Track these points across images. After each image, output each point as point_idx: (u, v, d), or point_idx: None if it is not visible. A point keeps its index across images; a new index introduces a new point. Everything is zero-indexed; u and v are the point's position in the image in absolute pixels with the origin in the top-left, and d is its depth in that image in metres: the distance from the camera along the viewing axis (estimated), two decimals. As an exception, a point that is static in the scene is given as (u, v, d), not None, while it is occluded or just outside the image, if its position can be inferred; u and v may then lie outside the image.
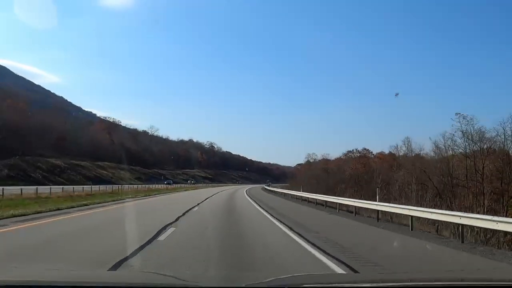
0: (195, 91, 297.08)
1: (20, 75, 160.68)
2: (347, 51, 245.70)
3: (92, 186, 43.53)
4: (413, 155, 44.90)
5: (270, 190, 65.42)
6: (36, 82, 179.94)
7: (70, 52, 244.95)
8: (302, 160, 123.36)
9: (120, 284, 2.64)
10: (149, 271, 6.31)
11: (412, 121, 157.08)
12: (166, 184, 73.78)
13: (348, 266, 7.34)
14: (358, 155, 70.28)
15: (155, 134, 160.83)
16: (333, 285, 2.85)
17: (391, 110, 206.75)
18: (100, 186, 44.78)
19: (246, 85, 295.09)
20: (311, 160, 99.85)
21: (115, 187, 46.50)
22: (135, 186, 58.71)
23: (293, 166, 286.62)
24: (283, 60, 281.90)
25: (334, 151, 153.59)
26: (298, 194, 37.27)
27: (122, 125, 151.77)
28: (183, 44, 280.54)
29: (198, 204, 26.39)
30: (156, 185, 65.17)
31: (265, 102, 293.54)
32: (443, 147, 33.24)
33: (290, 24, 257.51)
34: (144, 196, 38.25)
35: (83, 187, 39.80)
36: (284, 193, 48.99)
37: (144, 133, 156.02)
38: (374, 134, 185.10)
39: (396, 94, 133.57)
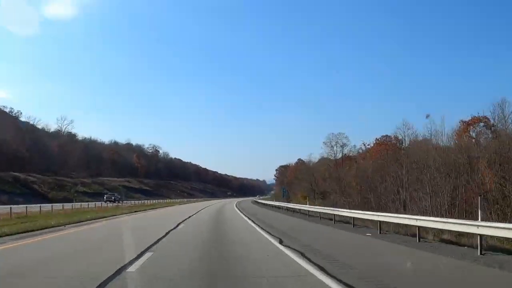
0: (145, 96, 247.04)
1: None
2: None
3: None
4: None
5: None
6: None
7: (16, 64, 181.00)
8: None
9: None
10: None
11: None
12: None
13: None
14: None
15: (67, 130, 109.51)
16: None
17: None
18: None
19: (203, 91, 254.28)
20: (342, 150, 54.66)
21: None
22: None
23: (253, 178, 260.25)
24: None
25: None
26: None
27: (23, 119, 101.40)
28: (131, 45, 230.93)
29: None
30: None
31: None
32: None
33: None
34: None
35: None
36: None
37: (57, 133, 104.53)
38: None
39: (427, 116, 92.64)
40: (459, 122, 30.69)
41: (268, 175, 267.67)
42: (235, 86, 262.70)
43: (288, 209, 36.21)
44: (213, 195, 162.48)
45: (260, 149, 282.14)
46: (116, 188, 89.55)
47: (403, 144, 36.23)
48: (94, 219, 22.09)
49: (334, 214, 20.78)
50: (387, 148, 36.51)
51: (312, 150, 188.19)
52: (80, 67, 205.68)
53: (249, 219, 23.40)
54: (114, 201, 57.82)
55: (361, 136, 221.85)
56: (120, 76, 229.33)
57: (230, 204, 58.32)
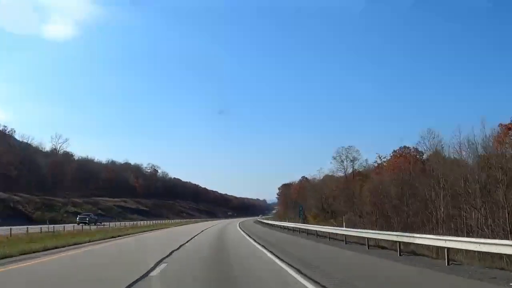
0: (144, 116, 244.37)
1: None
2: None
3: None
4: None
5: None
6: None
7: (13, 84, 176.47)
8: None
9: None
10: None
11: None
12: None
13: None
14: None
15: (62, 148, 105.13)
16: None
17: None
18: None
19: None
20: (353, 164, 51.10)
21: None
22: None
23: (253, 198, 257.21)
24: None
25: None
26: None
27: (17, 137, 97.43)
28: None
29: None
30: None
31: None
32: None
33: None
34: None
35: None
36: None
37: (52, 152, 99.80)
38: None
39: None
40: (498, 126, 27.00)
41: (268, 195, 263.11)
42: (233, 105, 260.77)
43: (308, 232, 28.95)
44: (213, 215, 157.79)
45: (260, 168, 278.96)
46: (111, 209, 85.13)
47: (426, 155, 32.38)
48: (36, 252, 15.69)
49: (399, 242, 13.55)
50: (408, 161, 32.69)
51: (314, 168, 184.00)
52: (78, 87, 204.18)
53: (268, 250, 16.57)
54: (88, 223, 48.65)
55: (370, 150, 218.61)
56: (118, 95, 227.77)
57: (233, 226, 52.72)
